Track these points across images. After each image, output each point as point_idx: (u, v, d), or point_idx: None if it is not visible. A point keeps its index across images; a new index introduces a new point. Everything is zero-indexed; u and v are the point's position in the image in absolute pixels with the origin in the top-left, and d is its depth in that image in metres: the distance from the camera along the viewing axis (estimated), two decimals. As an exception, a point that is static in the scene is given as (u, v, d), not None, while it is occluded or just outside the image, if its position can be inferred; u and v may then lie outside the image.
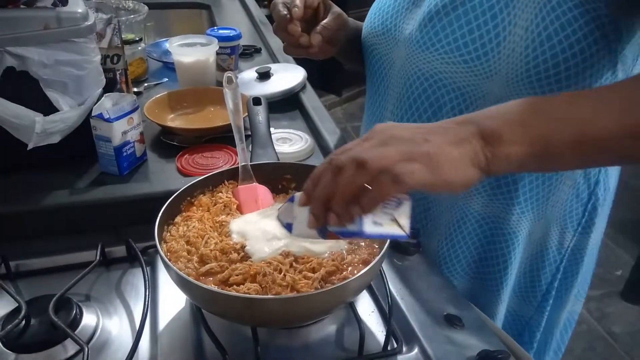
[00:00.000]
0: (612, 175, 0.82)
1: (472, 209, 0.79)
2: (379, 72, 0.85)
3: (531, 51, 0.65)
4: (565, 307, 0.91)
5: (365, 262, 0.60)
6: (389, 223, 0.50)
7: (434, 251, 0.85)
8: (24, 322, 0.58)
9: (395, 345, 0.60)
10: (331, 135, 0.98)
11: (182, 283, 0.55)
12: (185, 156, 0.93)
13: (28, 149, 0.79)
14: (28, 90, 0.79)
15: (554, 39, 0.64)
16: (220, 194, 0.72)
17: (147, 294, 0.63)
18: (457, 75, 0.71)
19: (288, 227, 0.55)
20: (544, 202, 0.78)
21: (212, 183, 0.73)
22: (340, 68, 3.21)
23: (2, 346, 0.57)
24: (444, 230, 0.83)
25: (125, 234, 0.73)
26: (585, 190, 0.79)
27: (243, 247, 0.62)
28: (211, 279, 0.58)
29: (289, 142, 0.97)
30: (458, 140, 0.49)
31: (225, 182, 0.73)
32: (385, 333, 0.61)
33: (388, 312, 0.62)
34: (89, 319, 0.61)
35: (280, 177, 0.75)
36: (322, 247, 0.62)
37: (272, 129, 0.89)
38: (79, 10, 0.80)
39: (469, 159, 0.49)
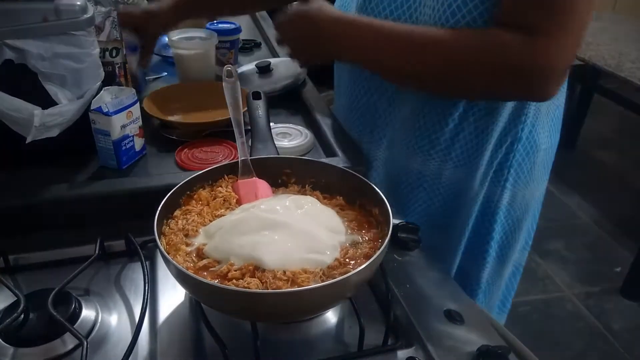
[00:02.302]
0: (540, 132, 0.89)
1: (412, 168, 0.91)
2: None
3: (447, 7, 0.74)
4: (509, 261, 0.98)
5: (367, 256, 0.60)
6: None
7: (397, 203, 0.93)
8: (22, 316, 0.58)
9: (395, 341, 0.60)
10: (331, 130, 0.98)
11: (182, 277, 0.55)
12: (185, 150, 0.93)
13: (27, 142, 0.78)
14: (26, 84, 0.78)
15: (457, 15, 0.73)
16: (220, 188, 0.71)
17: (147, 288, 0.63)
18: None
19: None
20: (475, 155, 0.86)
21: (212, 177, 0.72)
22: (340, 63, 3.20)
23: (1, 340, 0.56)
24: (403, 188, 0.94)
25: (125, 228, 0.72)
26: (509, 145, 0.86)
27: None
28: (207, 273, 0.58)
29: (289, 137, 0.97)
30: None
31: (225, 176, 0.73)
32: (385, 328, 0.60)
33: (388, 307, 0.62)
34: (88, 313, 0.61)
35: (280, 172, 0.75)
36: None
37: (271, 124, 0.88)
38: (78, 3, 0.79)
39: None
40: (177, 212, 0.67)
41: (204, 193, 0.70)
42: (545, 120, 0.89)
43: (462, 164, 0.88)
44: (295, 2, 0.84)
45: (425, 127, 0.87)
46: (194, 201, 0.69)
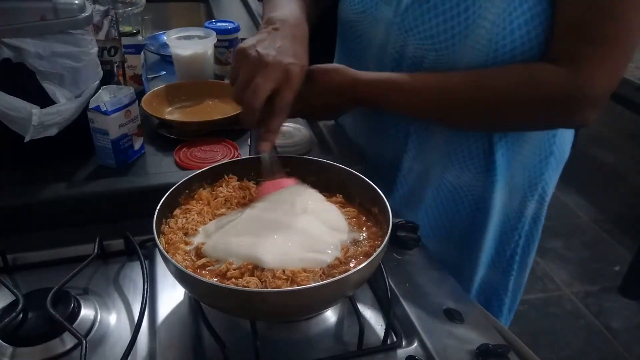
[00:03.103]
0: (566, 144, 0.90)
1: (447, 179, 0.87)
2: (357, 50, 0.88)
3: (494, 43, 0.71)
4: (527, 271, 0.98)
5: (368, 255, 0.60)
6: None
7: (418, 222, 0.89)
8: (21, 315, 0.58)
9: (395, 340, 0.60)
10: (329, 129, 0.98)
11: (181, 276, 0.55)
12: (184, 149, 0.93)
13: (25, 141, 0.78)
14: (24, 82, 0.78)
15: (516, 33, 0.70)
16: (220, 188, 0.71)
17: (146, 287, 0.63)
18: (428, 59, 0.77)
19: None
20: (512, 170, 0.85)
21: (211, 176, 0.72)
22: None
23: (-1, 339, 0.56)
24: (426, 201, 0.90)
25: (123, 227, 0.72)
26: (543, 158, 0.86)
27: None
28: (205, 272, 0.58)
29: (288, 136, 0.97)
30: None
31: (225, 177, 0.73)
32: (384, 327, 0.60)
33: (388, 306, 0.62)
34: (87, 312, 0.61)
35: (280, 170, 0.74)
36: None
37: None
38: (76, 2, 0.79)
39: None
40: (176, 211, 0.67)
41: (204, 193, 0.70)
42: (570, 132, 0.90)
43: (499, 180, 0.86)
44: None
45: (461, 148, 0.84)
46: (194, 200, 0.69)
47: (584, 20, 0.67)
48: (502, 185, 0.85)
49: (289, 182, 0.70)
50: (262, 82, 0.65)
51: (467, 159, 0.84)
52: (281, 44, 0.69)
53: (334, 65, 0.81)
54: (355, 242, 0.63)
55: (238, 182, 0.73)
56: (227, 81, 1.18)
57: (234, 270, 0.57)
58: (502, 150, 0.82)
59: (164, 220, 0.64)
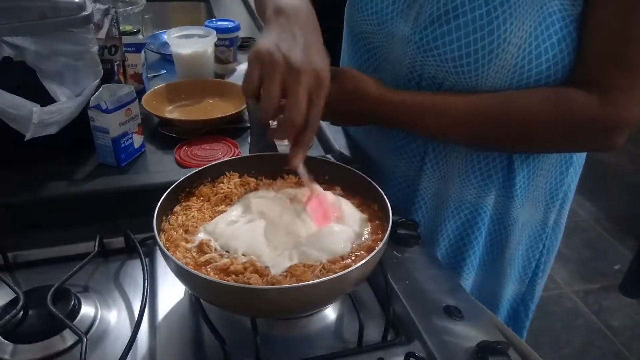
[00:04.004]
0: (582, 155, 0.89)
1: (466, 199, 0.84)
2: (370, 61, 0.85)
3: (519, 68, 0.69)
4: (546, 278, 0.99)
5: (370, 249, 0.59)
6: None
7: (438, 251, 0.89)
8: (22, 312, 0.58)
9: (395, 337, 0.60)
10: (329, 126, 0.98)
11: (181, 273, 0.55)
12: (184, 148, 0.93)
13: (25, 139, 0.78)
14: (25, 81, 0.78)
15: (542, 57, 0.68)
16: (221, 184, 0.71)
17: (146, 284, 0.63)
18: (449, 82, 0.74)
19: None
20: (533, 185, 0.83)
21: (212, 174, 0.72)
22: (339, 64, 3.20)
23: (0, 337, 0.56)
24: (448, 226, 0.87)
25: (124, 225, 0.72)
26: (564, 169, 0.85)
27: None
28: (206, 268, 0.58)
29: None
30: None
31: (227, 173, 0.73)
32: (384, 324, 0.60)
33: (387, 303, 0.62)
34: (87, 310, 0.61)
35: (280, 169, 0.74)
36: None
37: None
38: (76, 0, 0.79)
39: None
40: (177, 208, 0.67)
41: (205, 189, 0.70)
42: None
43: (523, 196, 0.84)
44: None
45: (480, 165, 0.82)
46: (194, 197, 0.69)
47: (616, 47, 0.66)
48: (523, 200, 0.84)
49: (330, 197, 0.66)
50: (302, 93, 0.56)
51: (486, 177, 0.82)
52: (304, 41, 0.60)
53: (359, 73, 0.76)
54: (359, 236, 0.63)
55: (239, 179, 0.73)
56: (229, 81, 1.18)
57: (238, 265, 0.57)
58: (523, 167, 0.81)
59: (164, 217, 0.64)
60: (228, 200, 0.69)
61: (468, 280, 0.90)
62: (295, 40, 0.59)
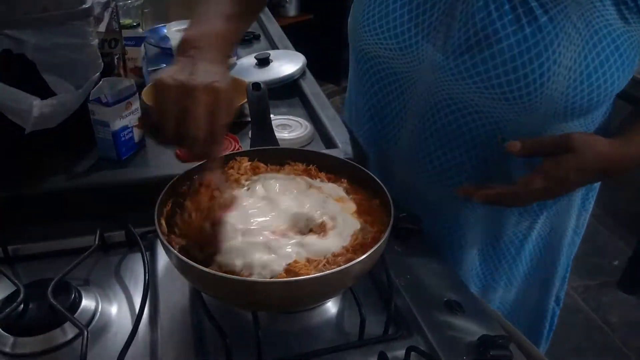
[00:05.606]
0: None
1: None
2: (392, 87, 0.80)
3: (572, 90, 0.67)
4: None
5: (372, 243, 0.59)
6: None
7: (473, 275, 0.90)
8: (22, 305, 0.58)
9: (396, 331, 0.60)
10: (331, 122, 0.98)
11: (182, 266, 0.55)
12: (184, 142, 0.93)
13: (26, 133, 0.78)
14: (25, 74, 0.78)
15: (592, 77, 0.66)
16: (231, 170, 0.70)
17: (147, 278, 0.63)
18: (494, 108, 0.70)
19: None
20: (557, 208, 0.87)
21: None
22: (339, 58, 3.19)
23: (1, 329, 0.56)
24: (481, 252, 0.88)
25: (125, 219, 0.72)
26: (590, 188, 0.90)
27: None
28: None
29: (289, 129, 0.96)
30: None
31: (236, 158, 0.72)
32: (385, 318, 0.60)
33: (388, 297, 0.62)
34: (88, 303, 0.61)
35: (281, 163, 0.74)
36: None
37: (271, 116, 0.88)
38: (77, -7, 0.79)
39: None
40: (187, 203, 0.65)
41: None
42: None
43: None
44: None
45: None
46: (203, 188, 0.67)
47: None
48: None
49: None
50: (198, 109, 0.55)
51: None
52: (200, 66, 0.59)
53: (588, 135, 0.73)
54: (362, 229, 0.62)
55: (249, 163, 0.72)
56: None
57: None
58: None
59: (177, 211, 0.63)
60: (235, 184, 0.68)
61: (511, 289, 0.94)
62: (192, 68, 0.59)
